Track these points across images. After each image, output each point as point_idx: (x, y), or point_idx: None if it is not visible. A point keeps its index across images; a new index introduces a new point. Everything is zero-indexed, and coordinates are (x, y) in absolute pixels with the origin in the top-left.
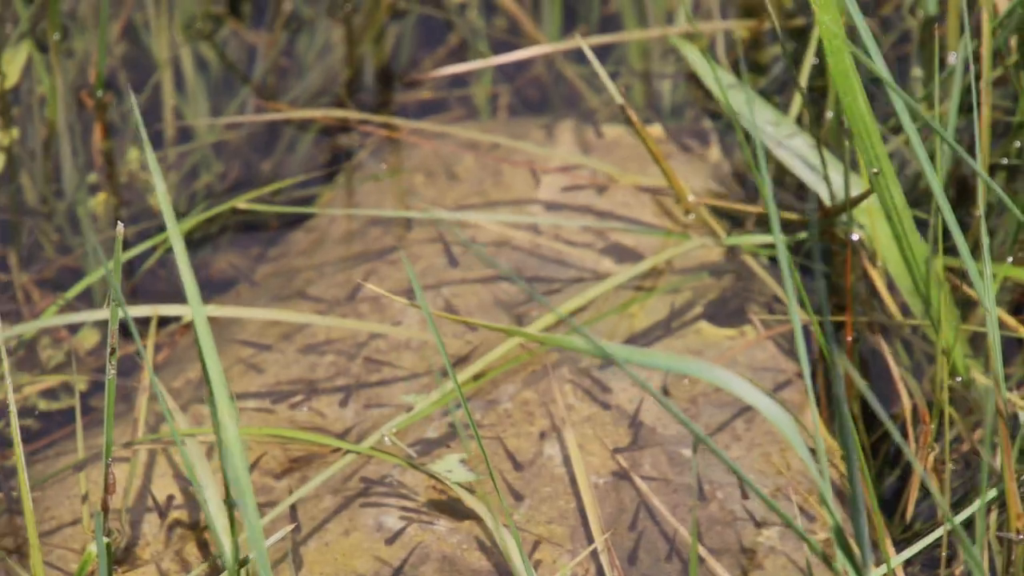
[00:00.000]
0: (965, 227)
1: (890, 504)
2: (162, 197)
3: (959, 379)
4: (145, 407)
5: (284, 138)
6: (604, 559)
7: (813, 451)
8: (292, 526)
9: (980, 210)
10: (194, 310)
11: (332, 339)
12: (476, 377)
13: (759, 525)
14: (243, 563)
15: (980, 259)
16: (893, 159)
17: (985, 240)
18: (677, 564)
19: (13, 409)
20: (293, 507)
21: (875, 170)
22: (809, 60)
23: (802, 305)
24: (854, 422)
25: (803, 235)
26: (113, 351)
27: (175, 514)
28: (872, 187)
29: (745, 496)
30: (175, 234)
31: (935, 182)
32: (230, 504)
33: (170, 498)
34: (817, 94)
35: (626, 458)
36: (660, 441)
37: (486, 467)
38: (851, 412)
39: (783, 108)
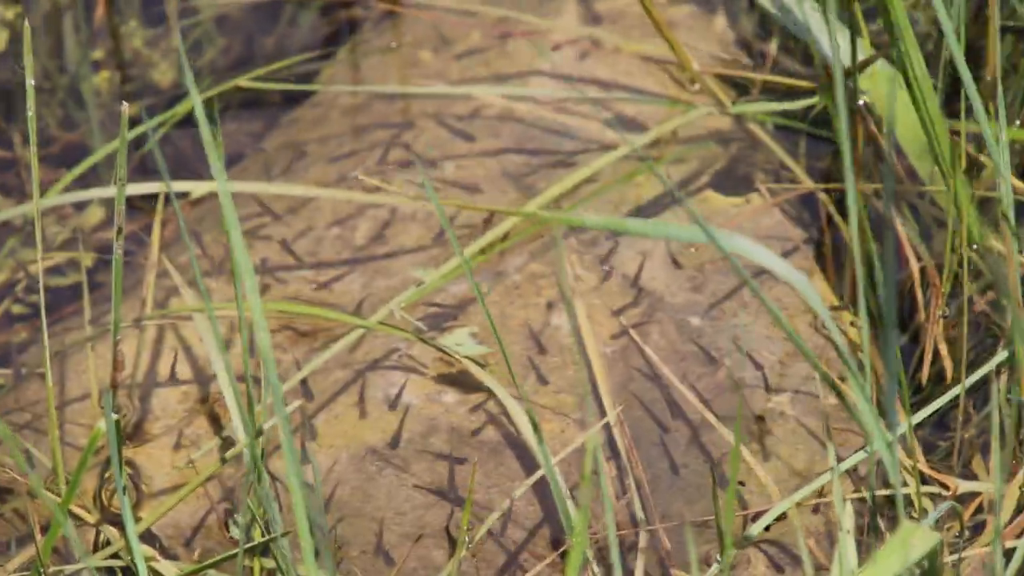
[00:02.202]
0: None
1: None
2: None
3: (974, 246)
4: (153, 283)
5: (286, 13)
6: (614, 428)
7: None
8: (299, 402)
9: (997, 73)
10: (219, 182)
11: (338, 212)
12: (483, 251)
13: (768, 391)
14: (258, 434)
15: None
16: None
17: (1002, 104)
18: (686, 431)
19: (41, 283)
20: (303, 381)
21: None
22: None
23: (809, 172)
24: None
25: (809, 102)
26: (120, 231)
27: (184, 389)
28: (882, 51)
29: (761, 359)
30: (198, 105)
31: (952, 40)
32: (247, 377)
33: (180, 373)
34: None
35: (634, 327)
36: (668, 309)
37: (495, 340)
38: (855, 277)
39: None
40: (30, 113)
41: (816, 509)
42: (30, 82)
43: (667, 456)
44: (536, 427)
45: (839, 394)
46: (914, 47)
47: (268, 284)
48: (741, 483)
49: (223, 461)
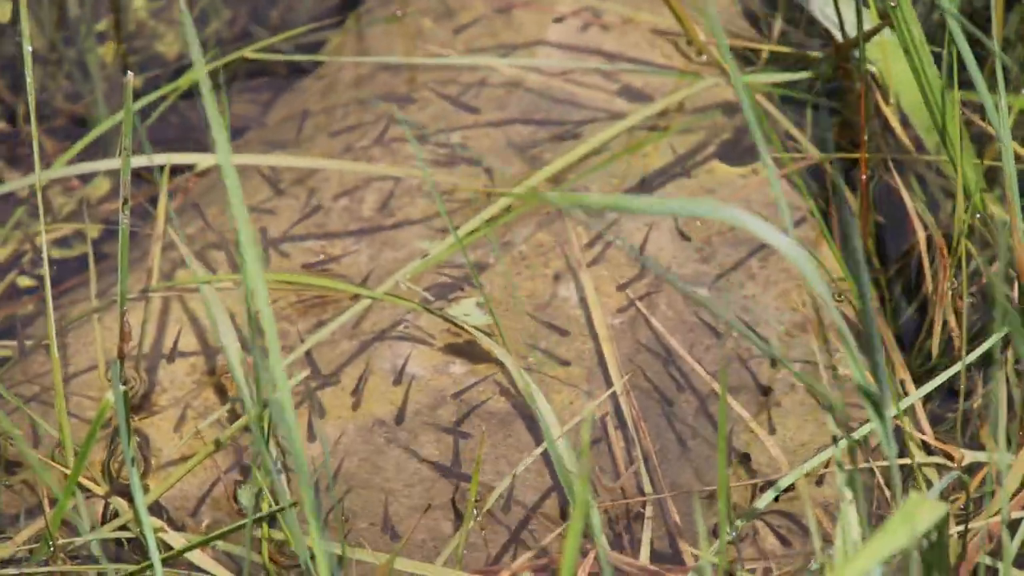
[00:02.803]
0: (979, 61)
1: (908, 339)
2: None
3: (978, 215)
4: (159, 255)
5: None
6: (622, 399)
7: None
8: (305, 372)
9: (997, 42)
10: (220, 154)
11: (344, 184)
12: (490, 221)
13: (775, 363)
14: (264, 406)
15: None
16: None
17: (1000, 73)
18: (694, 402)
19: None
20: (309, 352)
21: (893, 2)
22: None
23: (816, 143)
24: (869, 259)
25: (815, 73)
26: (126, 201)
27: (191, 360)
28: (889, 19)
29: (769, 330)
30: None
31: (946, 4)
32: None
33: (186, 345)
34: None
35: (641, 299)
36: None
37: (504, 311)
38: (866, 248)
39: None
40: (29, 79)
41: (822, 481)
42: (27, 48)
43: (675, 428)
44: (539, 398)
45: (835, 373)
46: (911, 15)
47: (273, 256)
48: (747, 455)
49: (230, 433)
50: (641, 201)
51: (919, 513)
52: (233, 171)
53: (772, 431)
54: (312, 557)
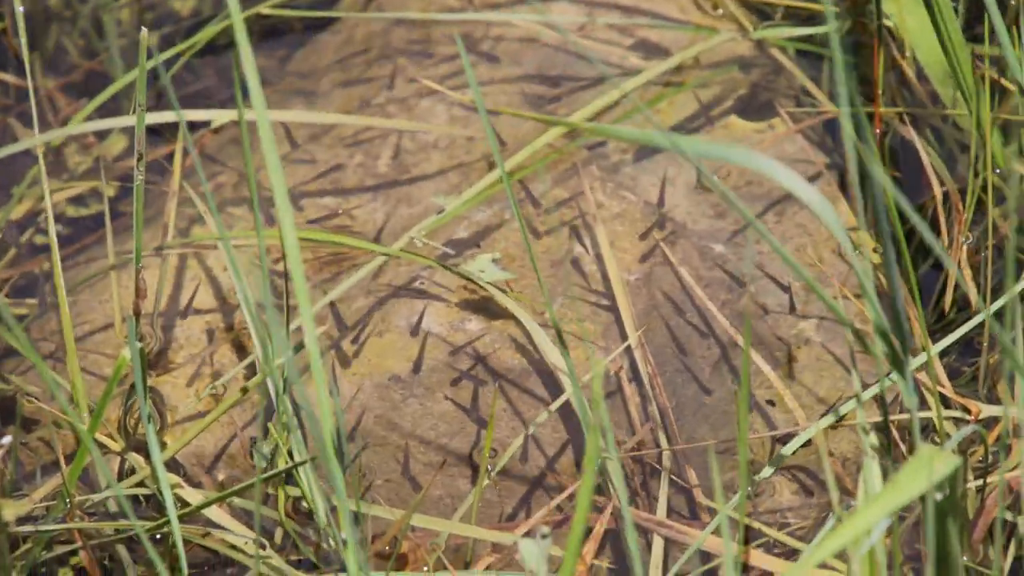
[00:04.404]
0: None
1: (925, 294)
2: None
3: (997, 171)
4: (174, 212)
5: None
6: (637, 354)
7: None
8: (322, 328)
9: None
10: (257, 108)
11: (360, 140)
12: (507, 176)
13: (794, 317)
14: (282, 361)
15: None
16: None
17: (1019, 28)
18: (710, 357)
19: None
20: (327, 307)
21: None
22: None
23: (831, 97)
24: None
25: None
26: (141, 157)
27: (207, 318)
28: None
29: (787, 285)
30: (240, 27)
31: None
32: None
33: (202, 302)
34: None
35: (657, 254)
36: (690, 236)
37: (519, 267)
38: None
39: None
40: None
41: (839, 434)
42: (19, 9)
43: (691, 383)
44: (567, 356)
45: (855, 331)
46: None
47: (294, 209)
48: (771, 402)
49: (246, 389)
50: (672, 139)
51: (933, 464)
52: (268, 125)
53: (788, 385)
54: (332, 510)
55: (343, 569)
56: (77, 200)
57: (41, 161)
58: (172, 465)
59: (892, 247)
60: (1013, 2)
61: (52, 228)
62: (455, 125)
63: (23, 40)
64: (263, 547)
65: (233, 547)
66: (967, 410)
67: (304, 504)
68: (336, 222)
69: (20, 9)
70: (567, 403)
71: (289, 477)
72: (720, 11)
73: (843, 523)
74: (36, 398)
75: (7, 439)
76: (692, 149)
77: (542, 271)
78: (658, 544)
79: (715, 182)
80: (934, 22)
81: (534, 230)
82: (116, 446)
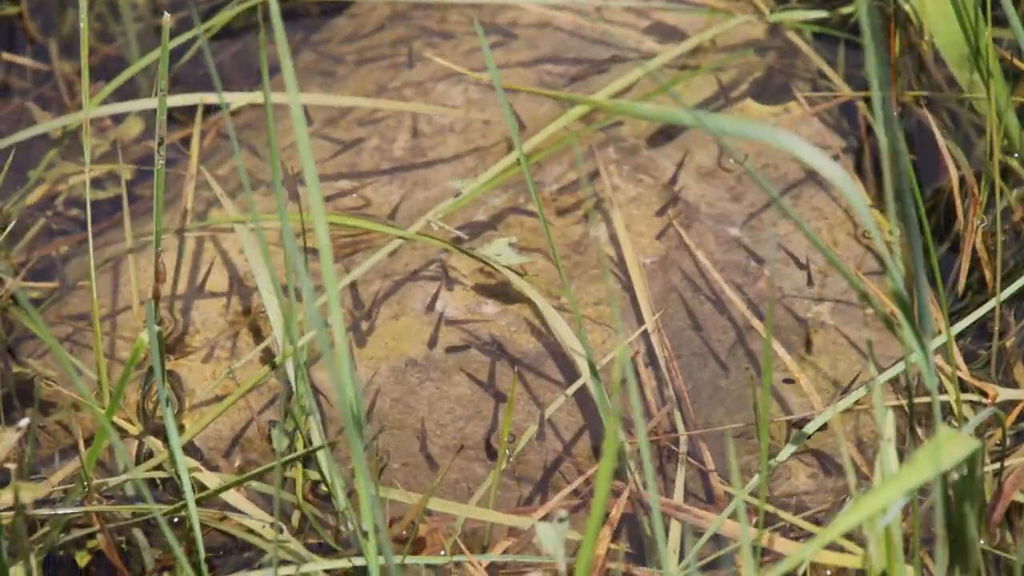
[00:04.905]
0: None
1: (941, 276)
2: None
3: (1016, 155)
4: (192, 195)
5: None
6: (654, 338)
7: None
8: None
9: None
10: (291, 95)
11: (376, 123)
12: (519, 162)
13: (809, 301)
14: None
15: None
16: None
17: None
18: (727, 341)
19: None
20: (344, 291)
21: None
22: None
23: (847, 80)
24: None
25: (849, 9)
26: (162, 141)
27: (225, 301)
28: None
29: (805, 268)
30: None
31: None
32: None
33: (220, 285)
34: None
35: (673, 237)
36: (706, 220)
37: (534, 251)
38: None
39: None
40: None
41: (856, 418)
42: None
43: (707, 366)
44: (585, 340)
45: (875, 307)
46: None
47: (304, 194)
48: (790, 380)
49: (275, 365)
50: (694, 116)
51: (949, 446)
52: (300, 107)
53: (804, 368)
54: (350, 494)
55: (361, 553)
56: (95, 183)
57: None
58: (190, 449)
59: (917, 228)
60: None
61: (89, 211)
62: (472, 108)
63: (84, 25)
64: (280, 531)
65: (250, 531)
66: (984, 393)
67: (322, 487)
68: (352, 204)
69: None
70: (583, 386)
71: (307, 460)
72: None
73: (859, 501)
74: (54, 381)
75: (25, 422)
76: (715, 126)
77: (558, 255)
78: (675, 528)
79: (738, 156)
80: (955, 8)
81: (549, 214)
82: (134, 430)
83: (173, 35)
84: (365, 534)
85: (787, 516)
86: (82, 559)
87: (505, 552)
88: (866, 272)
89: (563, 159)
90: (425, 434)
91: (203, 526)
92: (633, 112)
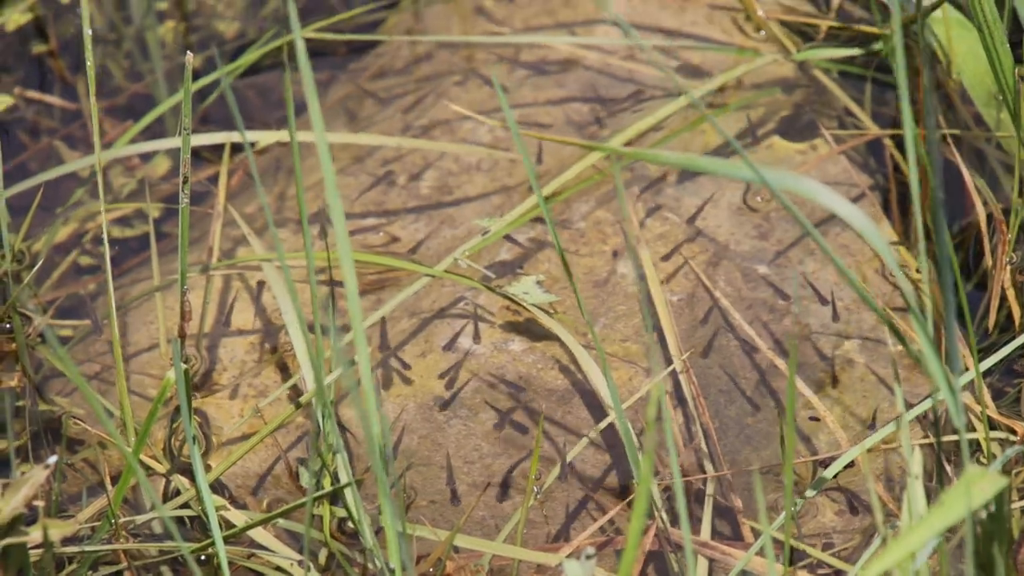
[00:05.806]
0: None
1: (969, 313)
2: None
3: None
4: (219, 233)
5: None
6: (681, 376)
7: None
8: (369, 348)
9: None
10: (316, 129)
11: (404, 162)
12: (548, 198)
13: (836, 338)
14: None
15: None
16: None
17: None
18: (753, 378)
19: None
20: (371, 329)
21: None
22: None
23: (874, 118)
24: (928, 233)
25: (876, 47)
26: (186, 180)
27: (252, 339)
28: None
29: (830, 304)
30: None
31: None
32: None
33: (247, 323)
34: None
35: (701, 275)
36: (733, 257)
37: (561, 288)
38: (925, 223)
39: None
40: (89, 63)
41: (883, 455)
42: (87, 32)
43: (734, 403)
44: (609, 378)
45: (903, 342)
46: None
47: (331, 233)
48: (816, 418)
49: (299, 404)
50: (713, 162)
51: (978, 485)
52: (326, 146)
53: (831, 407)
54: (378, 531)
55: None
56: (122, 221)
57: (100, 180)
58: (217, 486)
59: (948, 266)
60: None
61: (107, 250)
62: (498, 146)
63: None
64: (308, 569)
65: (279, 568)
66: (1012, 431)
67: (349, 525)
68: (378, 242)
69: (89, 32)
70: (611, 423)
71: (334, 498)
72: (763, 33)
73: (889, 545)
74: (81, 419)
75: (53, 459)
76: (736, 173)
77: (585, 291)
78: (702, 565)
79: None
80: (985, 47)
81: (576, 251)
82: (161, 468)
83: (202, 73)
84: (392, 571)
85: (815, 552)
86: None
87: None
88: (894, 308)
89: (590, 196)
90: (452, 471)
91: (231, 564)
92: (647, 158)
